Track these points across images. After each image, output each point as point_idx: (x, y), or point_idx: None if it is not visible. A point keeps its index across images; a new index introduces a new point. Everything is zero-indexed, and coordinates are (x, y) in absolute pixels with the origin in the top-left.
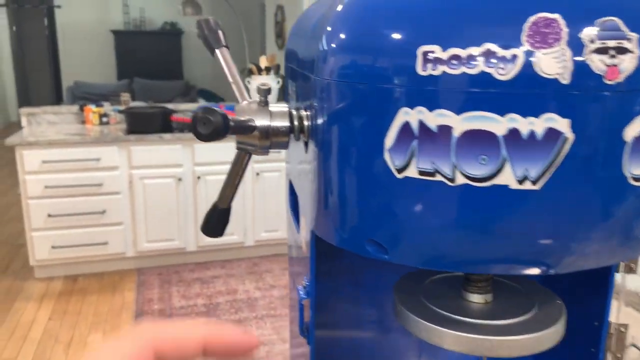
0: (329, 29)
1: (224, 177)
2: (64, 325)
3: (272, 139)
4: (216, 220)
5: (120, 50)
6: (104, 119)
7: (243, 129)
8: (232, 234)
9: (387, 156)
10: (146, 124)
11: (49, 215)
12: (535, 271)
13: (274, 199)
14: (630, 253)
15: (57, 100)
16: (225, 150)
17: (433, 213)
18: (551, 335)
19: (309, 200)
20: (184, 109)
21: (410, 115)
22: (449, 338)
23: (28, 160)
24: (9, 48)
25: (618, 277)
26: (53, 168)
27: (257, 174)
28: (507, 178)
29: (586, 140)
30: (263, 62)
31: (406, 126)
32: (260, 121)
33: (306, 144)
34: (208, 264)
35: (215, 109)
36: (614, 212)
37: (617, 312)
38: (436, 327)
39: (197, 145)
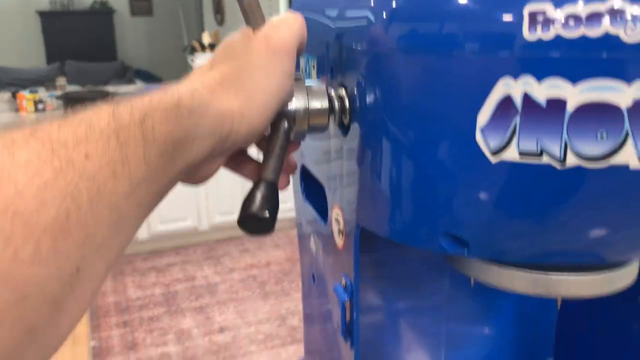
0: None
1: None
2: None
3: (310, 122)
4: (266, 201)
5: (48, 32)
6: (40, 106)
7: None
8: (185, 219)
9: (479, 136)
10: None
11: None
12: (634, 256)
13: (227, 180)
14: None
15: None
16: None
17: (533, 201)
18: (627, 273)
19: (351, 190)
20: (124, 92)
21: (512, 88)
22: (521, 280)
23: None
24: None
25: None
26: None
27: None
28: (628, 156)
29: None
30: (206, 39)
31: (507, 100)
32: (297, 102)
33: (345, 126)
34: (162, 252)
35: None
36: None
37: None
38: (506, 269)
39: None
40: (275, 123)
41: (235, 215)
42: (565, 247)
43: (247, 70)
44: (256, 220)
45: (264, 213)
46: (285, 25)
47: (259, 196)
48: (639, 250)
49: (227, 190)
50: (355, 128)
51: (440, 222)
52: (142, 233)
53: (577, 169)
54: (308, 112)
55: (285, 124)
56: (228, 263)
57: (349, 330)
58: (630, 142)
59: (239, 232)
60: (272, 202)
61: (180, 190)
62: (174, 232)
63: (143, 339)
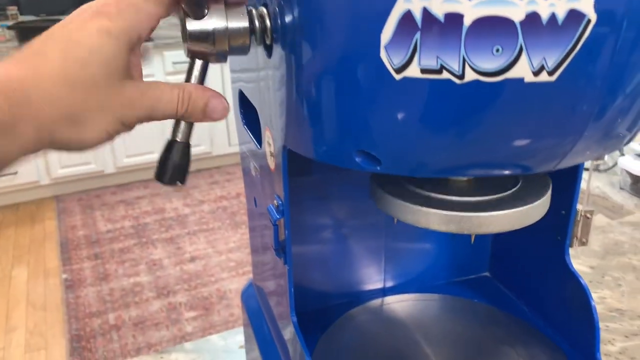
0: None
1: None
2: None
3: (231, 42)
4: (179, 159)
5: None
6: None
7: (199, 36)
8: (152, 152)
9: (383, 54)
10: None
11: None
12: (539, 168)
13: None
14: (613, 147)
15: None
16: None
17: (436, 116)
18: (537, 208)
19: (277, 112)
20: None
21: (412, 3)
22: (435, 218)
23: None
24: None
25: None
26: None
27: None
28: (523, 70)
29: (608, 22)
30: None
31: (407, 16)
32: (216, 22)
33: (268, 47)
34: (130, 185)
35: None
36: (623, 102)
37: (585, 201)
38: (421, 207)
39: None
40: (193, 65)
41: (203, 147)
42: (472, 161)
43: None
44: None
45: (174, 183)
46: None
47: (170, 165)
48: (545, 161)
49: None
50: (277, 48)
51: (352, 139)
52: (109, 167)
53: (476, 84)
54: (227, 32)
55: (202, 67)
56: (197, 195)
57: (282, 249)
58: (524, 56)
59: (208, 164)
60: (182, 168)
61: (146, 124)
62: (141, 166)
63: (115, 270)
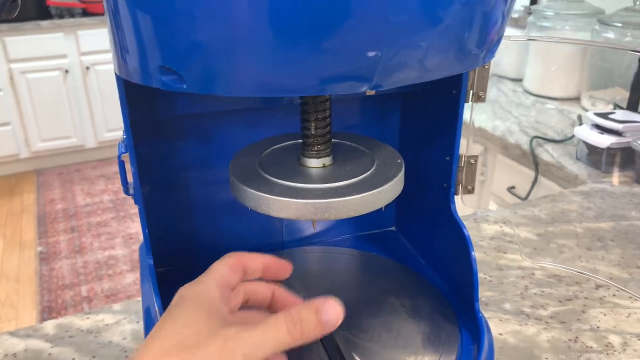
0: None
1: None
2: None
3: None
4: None
5: None
6: None
7: None
8: None
9: None
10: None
11: None
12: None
13: None
14: (469, 64)
15: None
16: None
17: (231, 22)
18: (384, 194)
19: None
20: None
21: None
22: (275, 205)
23: None
24: None
25: (467, 111)
26: None
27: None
28: None
29: None
30: None
31: None
32: None
33: None
34: (111, 160)
35: None
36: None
37: (467, 146)
38: (262, 194)
39: (81, 33)
40: None
41: None
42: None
43: None
44: None
45: None
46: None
47: None
48: (361, 74)
49: None
50: None
51: (152, 56)
52: (90, 141)
53: None
54: None
55: None
56: None
57: (131, 187)
58: None
59: None
60: None
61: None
62: None
63: (90, 243)
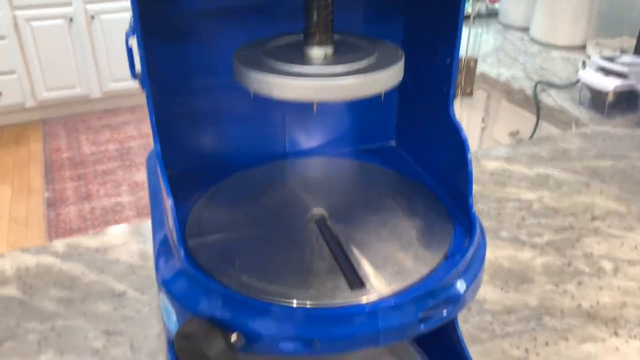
0: None
1: (121, 16)
2: None
3: None
4: None
5: None
6: None
7: None
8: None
9: None
10: None
11: None
12: None
13: None
14: None
15: None
16: None
17: None
18: (385, 78)
19: None
20: None
21: None
22: (277, 86)
23: None
24: None
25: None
26: None
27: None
28: None
29: None
30: None
31: None
32: None
33: None
34: (117, 111)
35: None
36: None
37: (466, 48)
38: (264, 75)
39: None
40: None
41: None
42: None
43: None
44: None
45: None
46: None
47: None
48: None
49: None
50: None
51: None
52: (95, 92)
53: None
54: None
55: None
56: None
57: (138, 74)
58: None
59: None
60: None
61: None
62: (128, 92)
63: (97, 190)
